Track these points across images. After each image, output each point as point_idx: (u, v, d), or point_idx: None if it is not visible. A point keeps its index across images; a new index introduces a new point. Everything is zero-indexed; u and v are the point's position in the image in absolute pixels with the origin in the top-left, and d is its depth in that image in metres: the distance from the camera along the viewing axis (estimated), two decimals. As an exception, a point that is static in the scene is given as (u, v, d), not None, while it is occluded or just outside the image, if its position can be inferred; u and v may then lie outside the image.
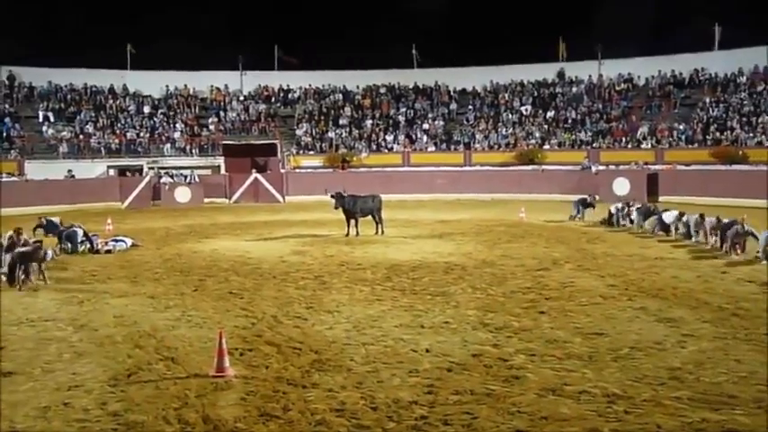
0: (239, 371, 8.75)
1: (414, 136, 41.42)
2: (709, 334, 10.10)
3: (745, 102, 36.82)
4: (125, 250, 19.18)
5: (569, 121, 40.28)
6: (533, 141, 39.32)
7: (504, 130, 40.58)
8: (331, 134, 41.71)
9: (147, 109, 42.28)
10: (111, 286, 14.37)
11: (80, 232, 19.23)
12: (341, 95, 44.56)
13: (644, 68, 41.48)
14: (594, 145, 38.01)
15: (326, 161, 39.62)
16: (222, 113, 42.87)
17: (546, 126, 40.31)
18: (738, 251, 16.70)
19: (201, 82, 44.08)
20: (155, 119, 41.72)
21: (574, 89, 42.27)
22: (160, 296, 13.31)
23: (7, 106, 39.30)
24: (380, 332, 10.49)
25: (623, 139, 37.86)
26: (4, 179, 33.64)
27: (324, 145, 41.16)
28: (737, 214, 17.98)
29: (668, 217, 20.58)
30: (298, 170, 39.13)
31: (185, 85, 43.93)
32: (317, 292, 13.50)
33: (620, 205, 23.53)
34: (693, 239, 18.91)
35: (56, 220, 21.31)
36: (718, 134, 35.55)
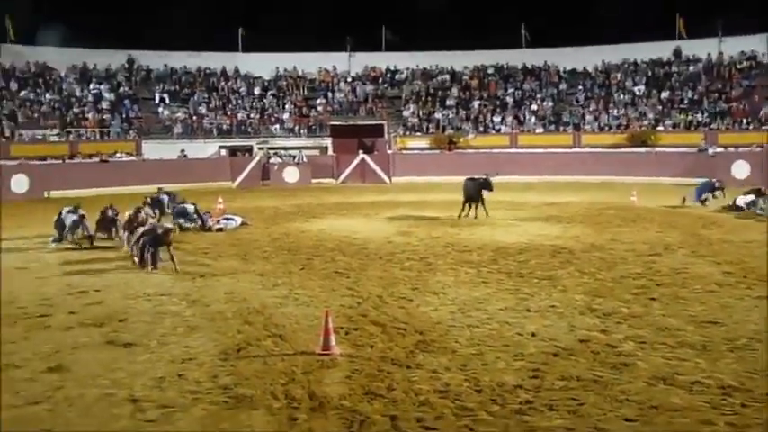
0: (345, 349, 8.86)
1: (522, 117, 40.78)
2: (836, 326, 9.55)
3: None
4: (235, 228, 19.69)
5: (685, 101, 38.80)
6: (646, 123, 38.12)
7: (616, 111, 39.46)
8: (438, 115, 41.49)
9: (257, 90, 43.22)
10: (222, 263, 14.80)
11: (191, 209, 19.76)
12: (448, 76, 44.19)
13: (768, 45, 39.32)
14: (712, 126, 36.51)
15: (433, 142, 39.47)
16: (330, 94, 43.34)
17: (660, 107, 38.95)
18: None
19: (310, 64, 44.55)
20: (264, 100, 42.59)
21: (691, 68, 40.61)
22: (269, 274, 13.61)
23: (127, 89, 40.89)
24: (485, 315, 10.41)
25: (743, 120, 36.19)
26: (123, 159, 35.15)
27: (431, 126, 41.03)
28: None
29: None
30: (404, 151, 39.18)
31: (294, 67, 44.60)
32: (422, 273, 13.51)
33: (748, 199, 21.77)
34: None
35: (164, 198, 21.87)
36: None
